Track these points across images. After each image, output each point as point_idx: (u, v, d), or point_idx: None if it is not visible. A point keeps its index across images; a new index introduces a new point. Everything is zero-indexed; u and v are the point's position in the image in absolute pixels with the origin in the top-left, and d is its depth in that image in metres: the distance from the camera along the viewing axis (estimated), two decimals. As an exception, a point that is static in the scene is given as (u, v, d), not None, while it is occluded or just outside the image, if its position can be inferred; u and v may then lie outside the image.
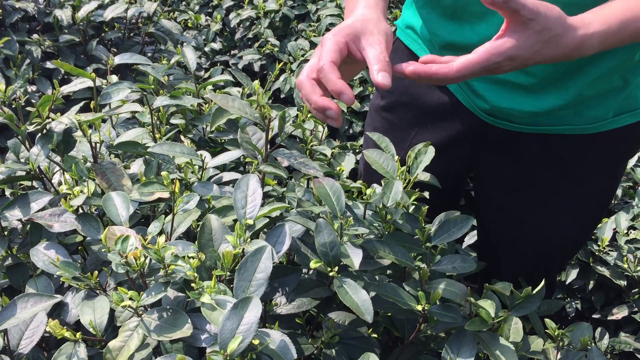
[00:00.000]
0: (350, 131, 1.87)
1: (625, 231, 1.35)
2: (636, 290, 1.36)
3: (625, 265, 1.31)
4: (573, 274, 1.40)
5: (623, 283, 1.32)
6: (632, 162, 1.50)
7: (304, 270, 0.82)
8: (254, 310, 0.61)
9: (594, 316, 1.43)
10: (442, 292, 0.75)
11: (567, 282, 1.41)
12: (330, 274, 0.71)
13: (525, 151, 0.96)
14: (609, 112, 0.90)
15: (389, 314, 0.85)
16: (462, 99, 0.96)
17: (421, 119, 1.02)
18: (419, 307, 0.73)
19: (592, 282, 1.41)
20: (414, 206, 0.90)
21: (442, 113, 0.99)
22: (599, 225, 1.38)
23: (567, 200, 0.98)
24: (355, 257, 0.71)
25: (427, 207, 0.89)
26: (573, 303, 1.47)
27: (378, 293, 0.73)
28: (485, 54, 0.66)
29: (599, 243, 1.35)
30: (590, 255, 1.39)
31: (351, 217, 0.75)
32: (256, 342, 0.61)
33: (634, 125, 0.92)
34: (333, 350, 0.79)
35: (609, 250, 1.37)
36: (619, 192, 1.44)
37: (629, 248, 1.34)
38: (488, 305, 0.73)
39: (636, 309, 1.35)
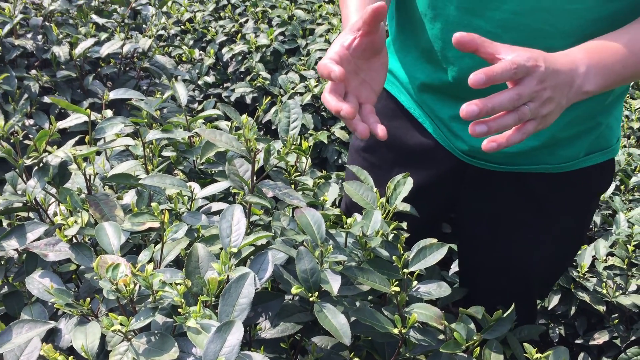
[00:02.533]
0: (340, 161, 1.92)
1: (604, 258, 1.40)
2: (616, 315, 1.40)
3: (604, 291, 1.35)
4: (555, 300, 1.44)
5: (602, 308, 1.36)
6: (609, 191, 1.55)
7: (289, 297, 0.86)
8: (237, 334, 0.65)
9: (577, 341, 1.46)
10: (418, 315, 0.79)
11: (549, 308, 1.45)
12: (311, 299, 0.75)
13: (502, 189, 1.01)
14: (581, 151, 0.94)
15: (370, 338, 0.88)
16: (441, 140, 1.00)
17: (402, 160, 1.06)
18: (396, 331, 0.77)
19: (573, 307, 1.44)
20: (393, 235, 0.95)
21: (421, 154, 1.03)
22: (578, 252, 1.42)
23: (542, 235, 1.02)
24: (334, 283, 0.75)
25: (405, 235, 0.94)
26: (556, 329, 1.50)
27: (357, 317, 0.77)
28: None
29: (578, 269, 1.40)
30: (572, 282, 1.43)
31: (331, 245, 0.79)
32: (238, 363, 0.64)
33: (605, 163, 0.97)
34: (315, 373, 0.83)
35: (589, 277, 1.41)
36: (598, 219, 1.49)
37: (607, 274, 1.38)
38: (460, 328, 0.77)
39: (616, 334, 1.38)
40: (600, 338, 1.40)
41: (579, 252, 1.42)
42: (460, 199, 1.06)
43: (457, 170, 1.01)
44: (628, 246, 1.33)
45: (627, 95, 2.25)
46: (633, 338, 1.35)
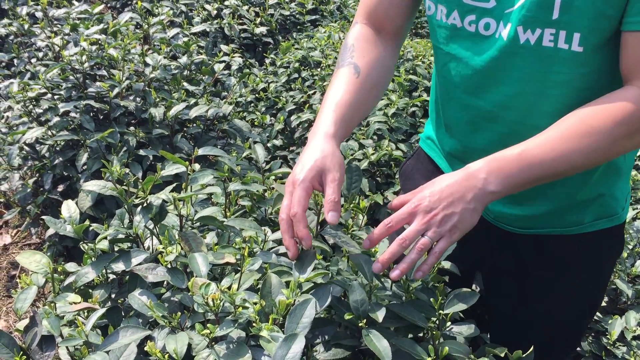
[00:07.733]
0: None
1: (634, 329, 1.49)
2: (644, 384, 1.47)
3: (632, 359, 1.43)
4: (587, 366, 1.53)
5: (631, 375, 1.44)
6: (641, 266, 1.65)
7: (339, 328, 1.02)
8: (299, 344, 0.82)
9: (608, 409, 1.53)
10: (449, 349, 0.93)
11: (581, 373, 1.53)
12: (360, 324, 0.91)
13: (520, 247, 1.16)
14: (587, 217, 1.09)
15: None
16: None
17: None
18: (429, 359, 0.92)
19: (605, 375, 1.52)
20: (432, 284, 1.10)
21: None
22: (609, 322, 1.52)
23: (558, 291, 1.16)
24: (379, 313, 0.91)
25: (443, 284, 1.09)
26: (589, 395, 1.58)
27: (396, 344, 0.92)
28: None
29: (608, 337, 1.49)
30: (603, 349, 1.52)
31: (378, 283, 0.95)
32: (300, 366, 0.81)
33: (611, 229, 1.11)
34: (359, 394, 0.97)
35: (620, 345, 1.50)
36: (630, 293, 1.58)
37: (637, 344, 1.47)
38: (485, 362, 0.91)
39: (645, 403, 1.46)
40: (629, 405, 1.47)
41: (610, 321, 1.51)
42: (487, 257, 1.21)
43: (485, 230, 1.17)
44: (656, 318, 1.43)
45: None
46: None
